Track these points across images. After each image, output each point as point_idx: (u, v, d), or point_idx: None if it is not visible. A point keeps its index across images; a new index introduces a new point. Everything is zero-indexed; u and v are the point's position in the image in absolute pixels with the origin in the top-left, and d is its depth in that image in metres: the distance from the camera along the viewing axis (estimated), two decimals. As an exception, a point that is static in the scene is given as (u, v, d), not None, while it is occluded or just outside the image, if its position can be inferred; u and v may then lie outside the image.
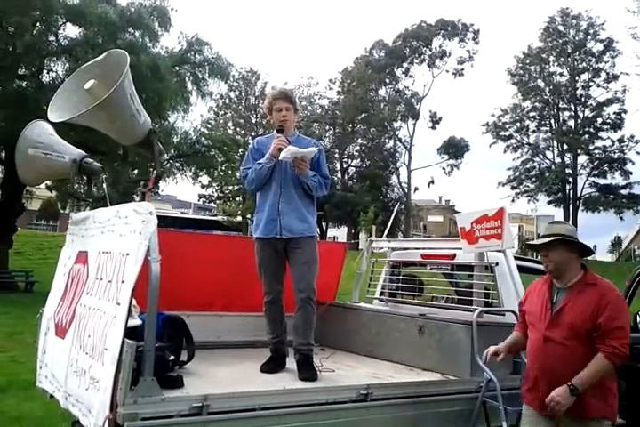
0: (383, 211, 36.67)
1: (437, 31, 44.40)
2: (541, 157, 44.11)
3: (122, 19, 16.17)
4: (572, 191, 42.34)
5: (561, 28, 42.78)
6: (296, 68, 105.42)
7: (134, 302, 2.89)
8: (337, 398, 2.95)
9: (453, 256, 4.67)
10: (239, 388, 2.80)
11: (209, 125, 36.04)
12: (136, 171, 18.23)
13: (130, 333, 2.40)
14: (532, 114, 43.96)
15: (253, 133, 44.75)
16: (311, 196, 3.71)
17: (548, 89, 43.37)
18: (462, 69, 45.13)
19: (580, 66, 42.43)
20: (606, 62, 41.84)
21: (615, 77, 41.46)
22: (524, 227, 64.46)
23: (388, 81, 46.01)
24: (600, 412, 2.77)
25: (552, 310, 2.88)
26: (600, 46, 41.86)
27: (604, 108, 41.67)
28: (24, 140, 3.36)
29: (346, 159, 47.76)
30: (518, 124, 43.97)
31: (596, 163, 41.90)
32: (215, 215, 39.38)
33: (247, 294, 4.21)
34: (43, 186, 21.39)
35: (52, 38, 16.75)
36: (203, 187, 40.65)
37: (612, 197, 40.70)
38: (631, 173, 40.48)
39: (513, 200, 43.75)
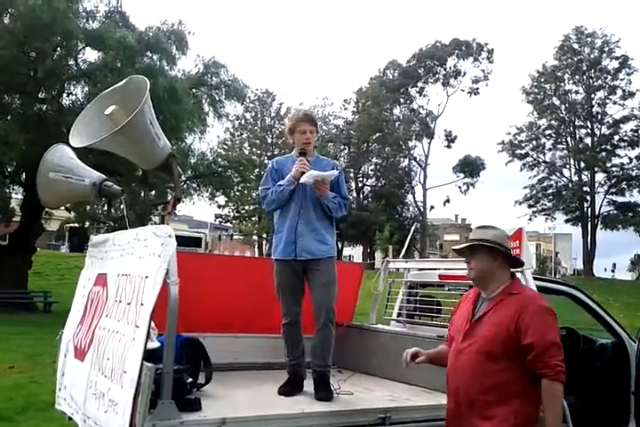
0: (399, 230, 36.60)
1: (452, 51, 44.69)
2: (558, 175, 43.91)
3: (140, 43, 16.49)
4: (589, 209, 41.99)
5: (576, 45, 42.87)
6: (311, 89, 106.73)
7: (152, 324, 2.91)
8: (355, 421, 2.92)
9: (471, 277, 4.62)
10: (257, 411, 2.78)
11: (225, 146, 36.51)
12: (154, 192, 18.42)
13: (148, 355, 2.40)
14: (547, 132, 43.89)
15: (269, 153, 45.14)
16: (330, 217, 3.70)
17: (563, 107, 43.33)
18: (477, 88, 45.41)
19: (595, 83, 42.40)
20: (622, 79, 41.86)
21: (631, 94, 41.42)
22: (542, 245, 63.85)
23: (402, 100, 46.28)
24: None
25: (471, 322, 2.63)
26: (615, 64, 41.92)
27: (621, 125, 41.55)
28: (45, 164, 3.42)
29: (361, 178, 47.91)
30: (534, 142, 43.88)
31: (613, 180, 41.60)
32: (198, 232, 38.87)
33: (264, 315, 4.20)
34: (62, 207, 21.65)
35: (71, 62, 17.12)
36: (219, 207, 40.97)
37: (630, 214, 40.28)
38: (650, 191, 40.13)
39: (530, 219, 43.58)
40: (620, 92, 41.78)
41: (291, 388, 3.50)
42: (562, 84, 43.38)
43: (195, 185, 20.98)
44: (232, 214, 45.12)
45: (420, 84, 45.75)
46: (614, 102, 42.05)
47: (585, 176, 42.98)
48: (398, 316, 5.07)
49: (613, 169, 41.75)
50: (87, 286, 3.44)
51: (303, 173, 3.52)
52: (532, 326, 2.43)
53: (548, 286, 4.61)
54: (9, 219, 18.95)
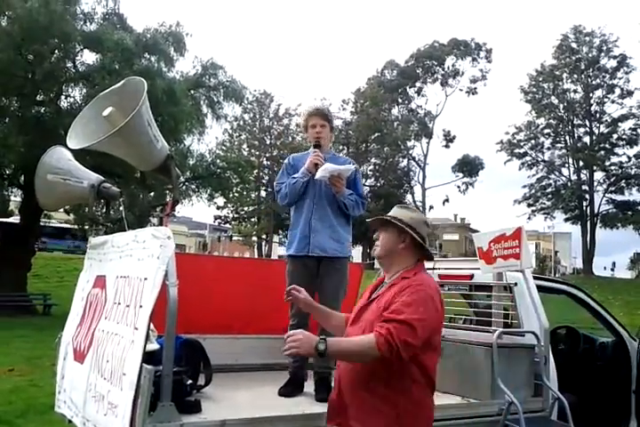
0: (398, 230, 36.50)
1: (450, 50, 44.72)
2: (557, 173, 43.94)
3: (138, 44, 16.48)
4: (588, 208, 42.01)
5: (574, 45, 42.91)
6: (309, 90, 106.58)
7: (152, 325, 2.90)
8: (356, 422, 2.90)
9: (471, 276, 4.63)
10: (257, 412, 2.77)
11: (224, 147, 36.48)
12: (152, 193, 18.41)
13: (148, 357, 2.39)
14: (546, 131, 43.92)
15: (268, 154, 45.12)
16: (347, 215, 3.66)
17: (562, 106, 43.37)
18: (475, 88, 45.43)
19: (593, 82, 42.44)
20: (620, 78, 41.88)
21: (630, 93, 41.42)
22: (542, 244, 63.88)
23: (400, 100, 46.29)
24: None
25: (361, 307, 2.52)
26: (614, 62, 41.96)
27: (620, 123, 41.57)
28: (43, 166, 3.41)
29: (360, 179, 47.87)
30: (533, 141, 43.91)
31: (612, 179, 41.61)
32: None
33: (264, 316, 4.20)
34: (60, 209, 21.64)
35: (69, 65, 17.09)
36: (218, 208, 40.98)
37: (630, 213, 40.31)
38: (649, 189, 40.16)
39: (529, 218, 43.60)
40: (618, 91, 41.83)
41: (291, 389, 3.49)
42: (560, 83, 43.41)
43: (193, 186, 20.97)
44: (231, 215, 45.11)
45: (418, 84, 45.80)
46: (612, 101, 42.11)
47: (584, 175, 43.01)
48: (398, 316, 5.05)
49: (612, 168, 41.79)
50: (86, 288, 3.43)
51: (317, 164, 3.49)
52: (396, 303, 2.29)
53: (548, 286, 4.62)
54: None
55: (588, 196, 42.09)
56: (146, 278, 2.51)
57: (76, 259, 23.62)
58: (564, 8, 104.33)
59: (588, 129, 42.92)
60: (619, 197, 41.35)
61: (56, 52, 16.54)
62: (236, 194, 31.49)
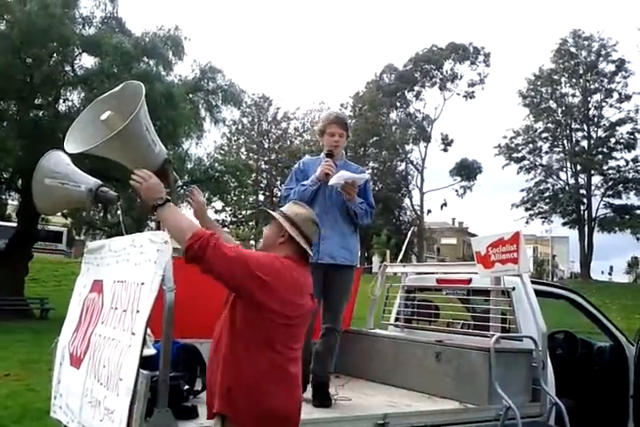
0: (396, 234, 36.62)
1: (448, 54, 44.80)
2: (555, 177, 44.01)
3: (136, 48, 16.48)
4: (586, 212, 42.06)
5: (573, 49, 43.03)
6: (308, 94, 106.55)
7: (148, 330, 2.89)
8: (354, 427, 2.90)
9: (469, 281, 4.63)
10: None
11: (222, 151, 36.51)
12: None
13: (144, 362, 2.39)
14: (544, 135, 44.00)
15: (266, 158, 45.15)
16: (355, 223, 3.67)
17: (560, 110, 43.47)
18: (473, 92, 45.47)
19: (591, 86, 42.55)
20: (618, 83, 42.02)
21: (628, 97, 41.57)
22: (539, 248, 63.89)
23: (399, 104, 46.34)
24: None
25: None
26: (612, 67, 42.08)
27: (617, 128, 41.68)
28: (41, 170, 3.39)
29: (358, 182, 47.88)
30: (531, 145, 43.98)
31: (610, 183, 41.69)
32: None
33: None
34: (58, 213, 21.61)
35: (68, 68, 17.09)
36: (216, 212, 40.95)
37: (627, 217, 40.36)
38: (646, 193, 40.22)
39: (527, 222, 43.63)
40: (616, 95, 41.93)
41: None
42: (558, 88, 43.52)
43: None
44: (229, 219, 45.07)
45: (416, 88, 45.83)
46: (610, 105, 42.21)
47: (581, 179, 43.09)
48: (396, 320, 5.06)
49: (610, 172, 41.86)
50: (83, 292, 3.42)
51: (328, 174, 3.49)
52: None
53: (546, 290, 4.62)
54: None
55: (585, 200, 42.15)
56: (143, 283, 2.51)
57: (74, 263, 23.57)
58: (563, 12, 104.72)
59: (585, 133, 43.02)
60: (616, 201, 41.47)
61: (55, 55, 16.54)
62: (234, 198, 31.45)
